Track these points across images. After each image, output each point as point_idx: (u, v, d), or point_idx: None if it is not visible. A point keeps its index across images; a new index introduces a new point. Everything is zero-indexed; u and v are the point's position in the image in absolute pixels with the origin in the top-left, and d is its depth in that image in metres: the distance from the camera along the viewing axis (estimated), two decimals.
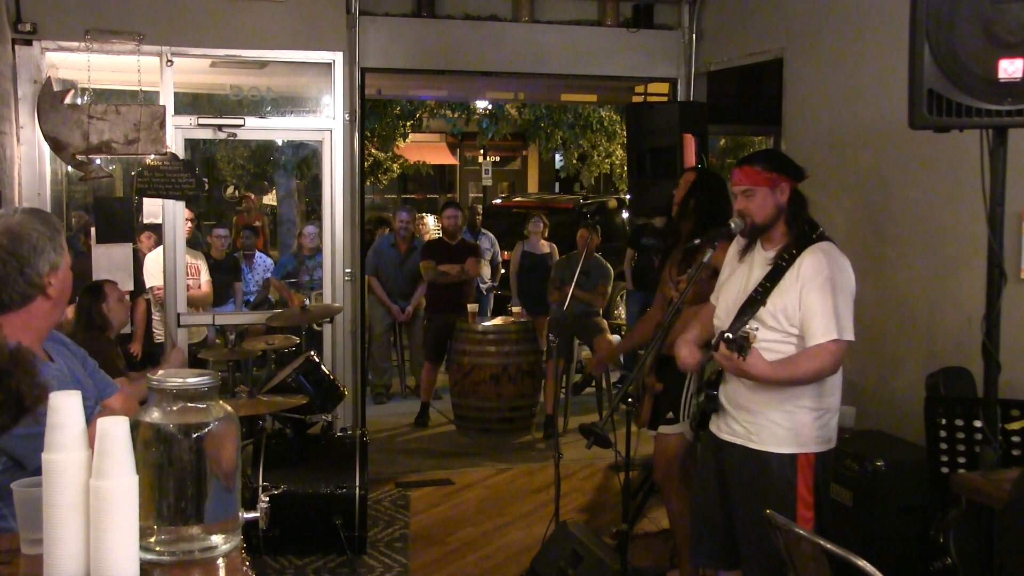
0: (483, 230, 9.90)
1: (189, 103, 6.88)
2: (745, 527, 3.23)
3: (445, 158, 24.66)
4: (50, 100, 5.39)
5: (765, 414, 3.19)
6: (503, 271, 9.65)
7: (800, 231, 3.21)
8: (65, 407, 1.67)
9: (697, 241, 3.61)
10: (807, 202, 3.28)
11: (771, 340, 3.15)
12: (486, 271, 9.51)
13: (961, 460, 3.29)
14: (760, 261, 3.26)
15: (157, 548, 1.75)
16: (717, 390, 3.36)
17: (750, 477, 3.23)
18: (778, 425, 3.17)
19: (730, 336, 2.94)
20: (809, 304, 3.08)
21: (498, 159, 24.88)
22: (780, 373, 3.11)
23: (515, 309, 7.75)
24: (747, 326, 3.09)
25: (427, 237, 10.99)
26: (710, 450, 3.45)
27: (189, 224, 7.26)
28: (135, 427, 1.69)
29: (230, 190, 17.01)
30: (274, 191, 15.45)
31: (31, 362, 1.76)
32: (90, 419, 1.73)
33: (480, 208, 13.34)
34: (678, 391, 4.10)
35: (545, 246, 8.76)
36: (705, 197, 4.13)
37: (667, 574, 4.50)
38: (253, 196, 14.28)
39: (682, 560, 4.27)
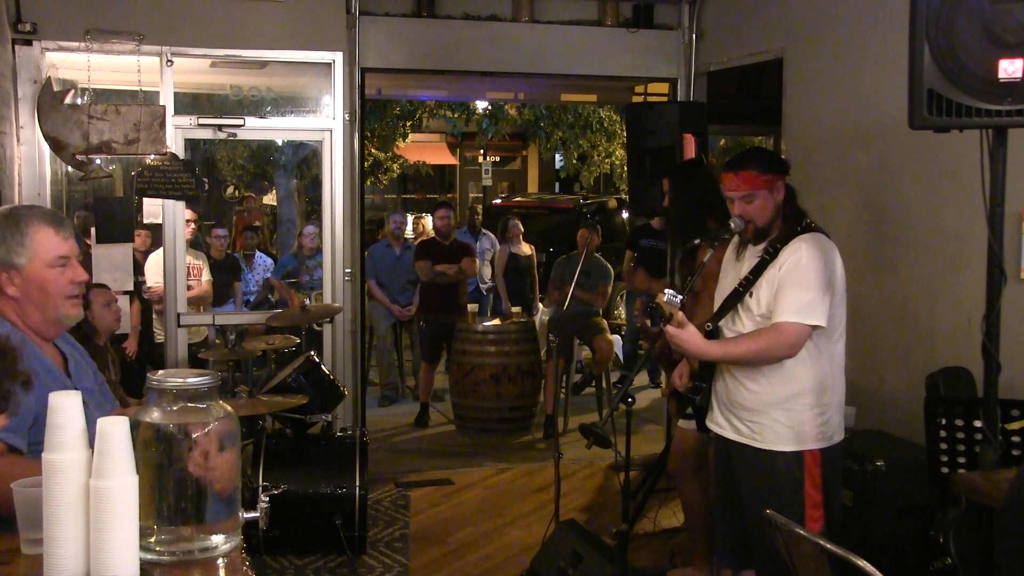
0: (484, 230, 9.90)
1: (189, 103, 6.86)
2: (755, 527, 3.22)
3: (445, 158, 24.64)
4: (50, 100, 5.38)
5: (768, 413, 3.19)
6: None
7: (789, 225, 3.22)
8: (65, 407, 1.67)
9: (697, 241, 3.63)
10: (796, 192, 3.29)
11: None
12: (486, 271, 9.50)
13: (961, 460, 3.29)
14: (750, 255, 3.29)
15: (157, 548, 1.75)
16: (704, 381, 3.38)
17: (758, 477, 3.23)
18: (780, 423, 3.18)
19: (647, 304, 3.03)
20: (778, 290, 3.11)
21: (498, 159, 24.85)
22: (716, 350, 3.17)
23: (515, 309, 7.75)
24: (667, 296, 3.10)
25: (423, 237, 10.98)
26: (719, 451, 3.45)
27: (192, 225, 7.25)
28: (135, 427, 1.69)
29: (230, 190, 16.99)
30: (274, 191, 15.43)
31: None
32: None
33: (480, 208, 13.33)
34: None
35: (526, 248, 8.79)
36: (691, 194, 4.19)
37: (667, 574, 4.50)
38: (255, 196, 14.27)
39: (696, 550, 4.31)
